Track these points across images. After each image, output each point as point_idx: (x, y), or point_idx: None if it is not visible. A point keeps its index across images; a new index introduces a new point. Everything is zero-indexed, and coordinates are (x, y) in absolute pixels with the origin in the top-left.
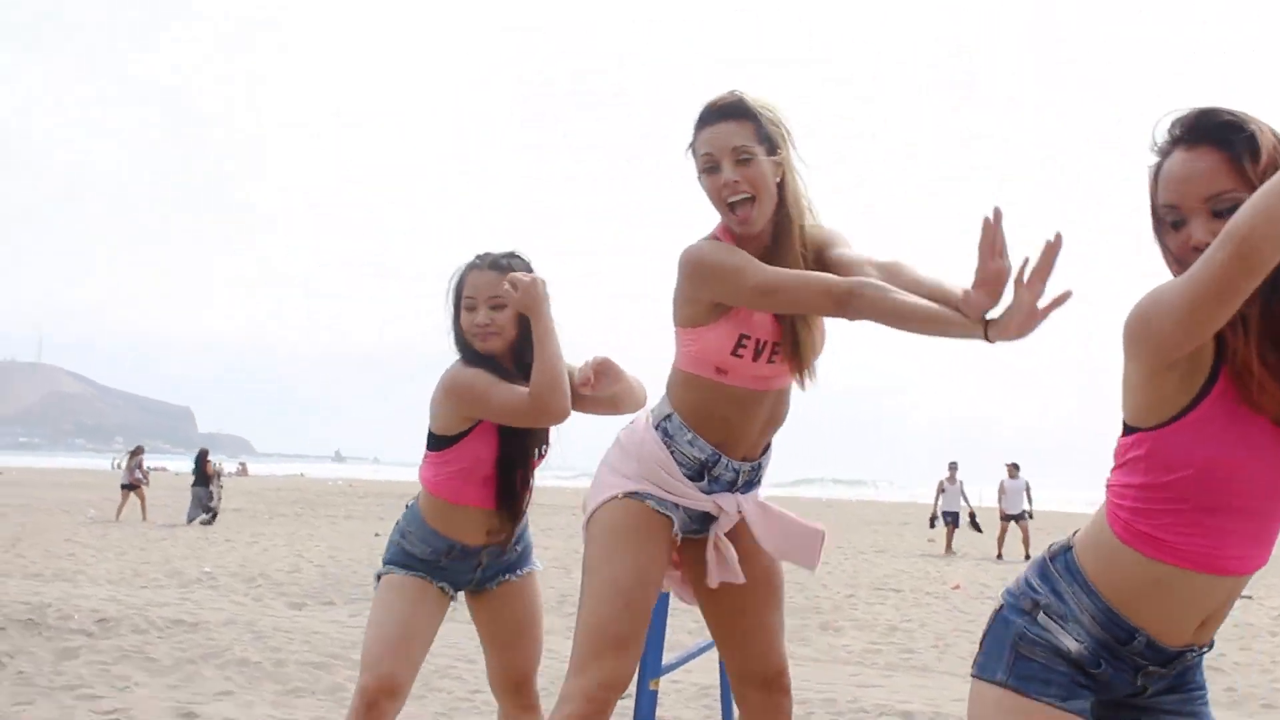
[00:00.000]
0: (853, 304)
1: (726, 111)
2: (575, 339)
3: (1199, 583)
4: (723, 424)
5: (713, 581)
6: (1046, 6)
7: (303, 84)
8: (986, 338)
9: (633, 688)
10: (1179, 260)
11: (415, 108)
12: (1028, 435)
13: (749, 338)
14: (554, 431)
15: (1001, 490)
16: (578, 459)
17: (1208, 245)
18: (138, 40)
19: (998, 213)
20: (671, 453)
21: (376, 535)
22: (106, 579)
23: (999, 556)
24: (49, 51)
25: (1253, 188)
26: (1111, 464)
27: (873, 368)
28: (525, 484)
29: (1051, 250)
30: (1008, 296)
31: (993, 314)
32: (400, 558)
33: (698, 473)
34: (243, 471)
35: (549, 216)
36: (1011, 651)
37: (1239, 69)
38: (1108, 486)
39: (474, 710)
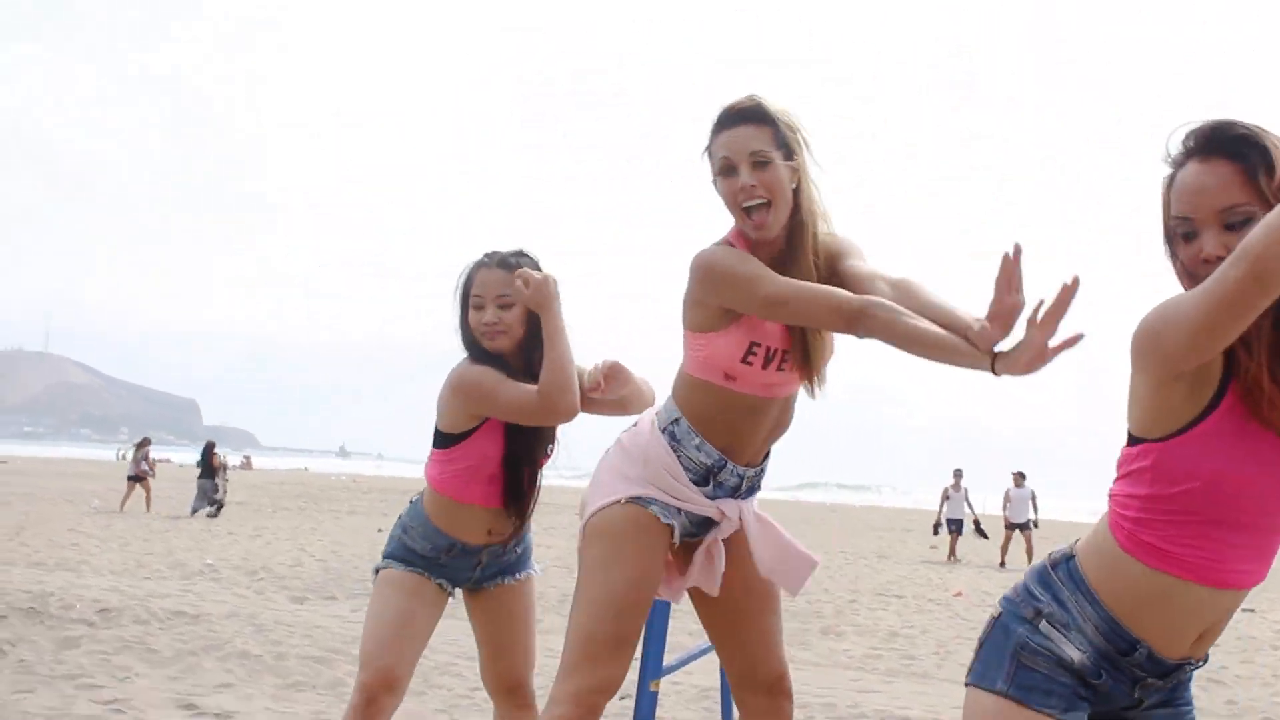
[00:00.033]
0: (862, 323)
1: (745, 115)
2: (575, 339)
3: (1200, 595)
4: (729, 430)
5: (689, 584)
6: (1046, 6)
7: (303, 84)
8: (993, 370)
9: (633, 689)
10: (1189, 272)
11: (415, 108)
12: (1031, 437)
13: (759, 345)
14: (559, 431)
15: (1007, 498)
16: (583, 459)
17: (1219, 258)
18: (140, 37)
19: (1018, 249)
20: (678, 457)
21: (379, 531)
22: (109, 569)
23: (1002, 564)
24: (58, 44)
25: (1267, 202)
26: (1115, 472)
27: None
28: (532, 483)
29: (1067, 293)
30: (1017, 331)
31: (1002, 347)
32: (401, 552)
33: (703, 478)
34: (247, 465)
35: (549, 216)
36: (1013, 661)
37: (1239, 69)
38: (1110, 496)
39: (474, 707)
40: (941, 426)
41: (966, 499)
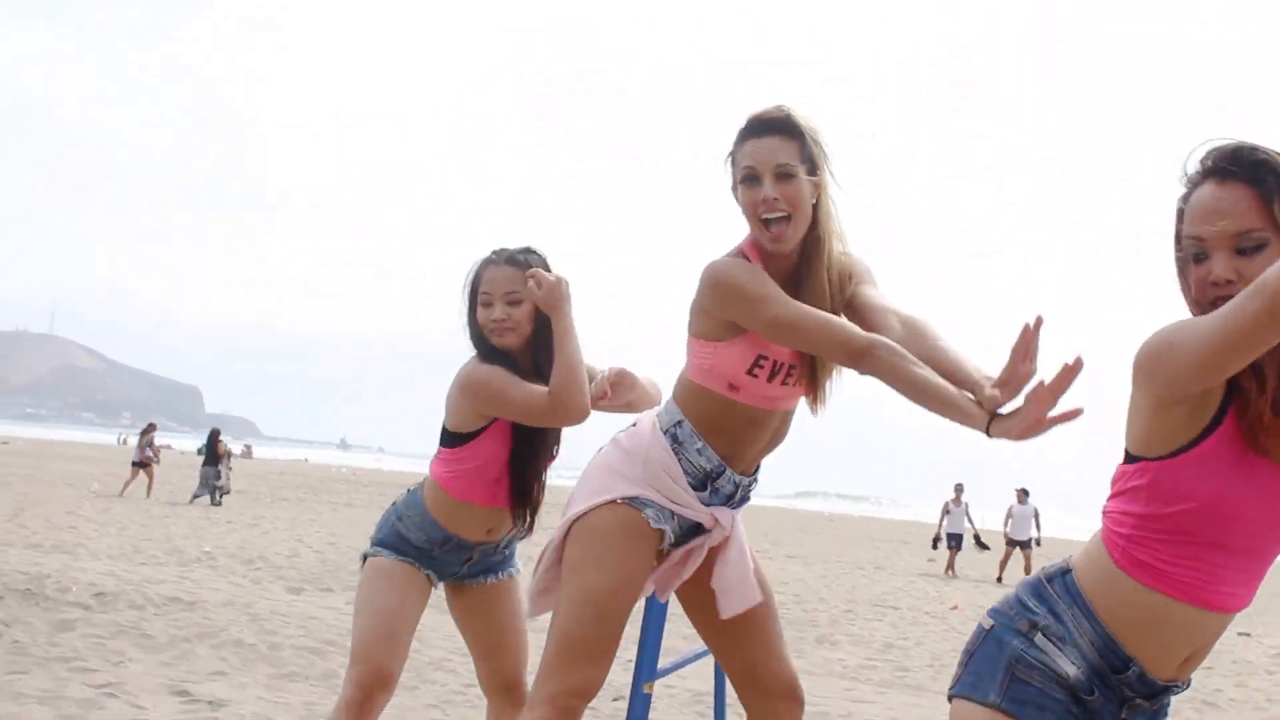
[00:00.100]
0: (866, 361)
1: (774, 126)
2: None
3: (1189, 616)
4: (729, 438)
5: (663, 594)
6: (1046, 6)
7: (303, 84)
8: (988, 432)
9: (626, 691)
10: (1197, 294)
11: (415, 108)
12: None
13: (766, 359)
14: (564, 431)
15: (1009, 515)
16: (584, 459)
17: (1228, 281)
18: (141, 35)
19: (1039, 321)
20: (679, 459)
21: None
22: (106, 553)
23: (999, 580)
24: (66, 32)
25: None
26: (1110, 489)
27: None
28: (539, 485)
29: (1070, 372)
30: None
31: (1001, 409)
32: (393, 540)
33: (701, 482)
34: (247, 454)
35: (549, 216)
36: (1006, 673)
37: (1239, 69)
38: (1105, 513)
39: (467, 704)
40: (943, 439)
41: (967, 514)
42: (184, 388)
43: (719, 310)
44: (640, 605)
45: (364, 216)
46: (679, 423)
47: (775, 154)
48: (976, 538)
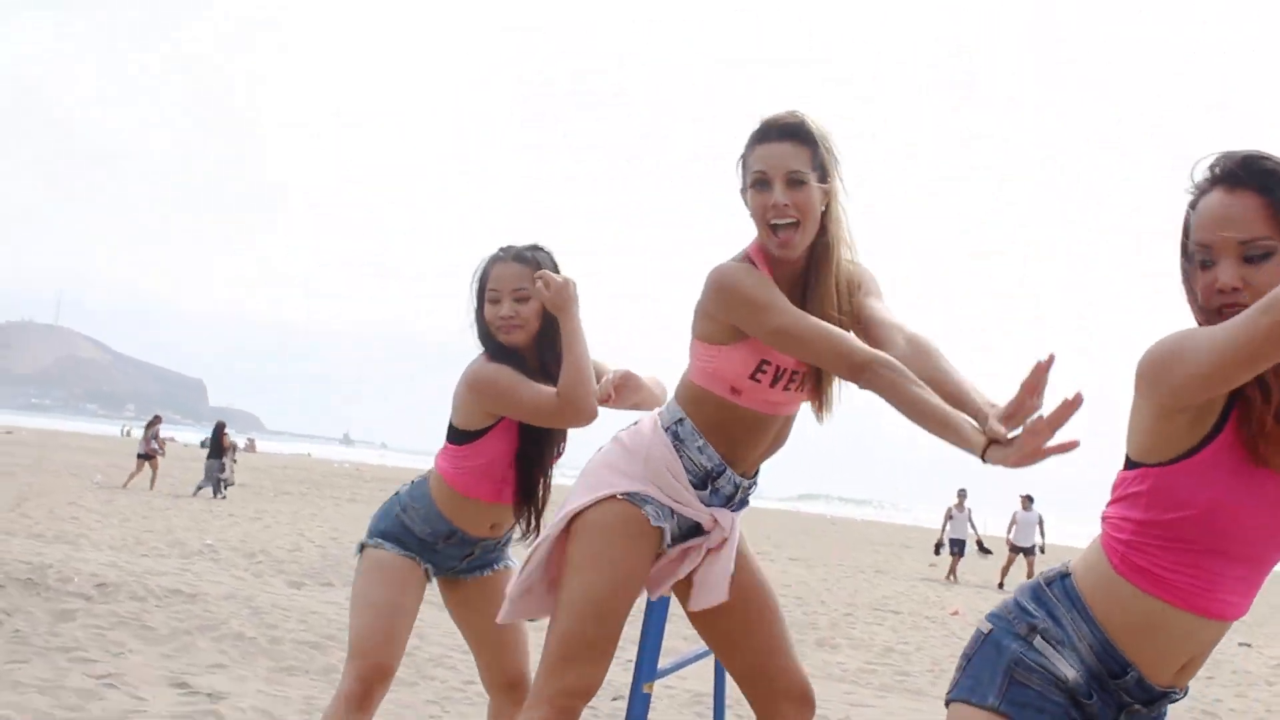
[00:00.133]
0: (866, 377)
1: (788, 132)
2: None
3: (1187, 622)
4: (730, 441)
5: (654, 592)
6: (1046, 6)
7: (303, 83)
8: (983, 458)
9: (626, 690)
10: (1203, 300)
11: (415, 108)
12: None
13: (770, 364)
14: (570, 430)
15: (1013, 521)
16: (589, 457)
17: (1234, 289)
18: (157, 26)
19: (1051, 359)
20: (680, 457)
21: None
22: (108, 544)
23: (1000, 586)
24: (71, 20)
25: None
26: (1110, 494)
27: None
28: (545, 483)
29: (1069, 407)
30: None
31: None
32: (396, 531)
33: (702, 481)
34: (250, 447)
35: (549, 216)
36: (1005, 676)
37: (1239, 69)
38: (1104, 518)
39: (466, 700)
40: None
41: (970, 519)
42: (188, 380)
43: (722, 315)
44: (640, 604)
45: (364, 216)
46: (680, 421)
47: (787, 160)
48: (979, 543)
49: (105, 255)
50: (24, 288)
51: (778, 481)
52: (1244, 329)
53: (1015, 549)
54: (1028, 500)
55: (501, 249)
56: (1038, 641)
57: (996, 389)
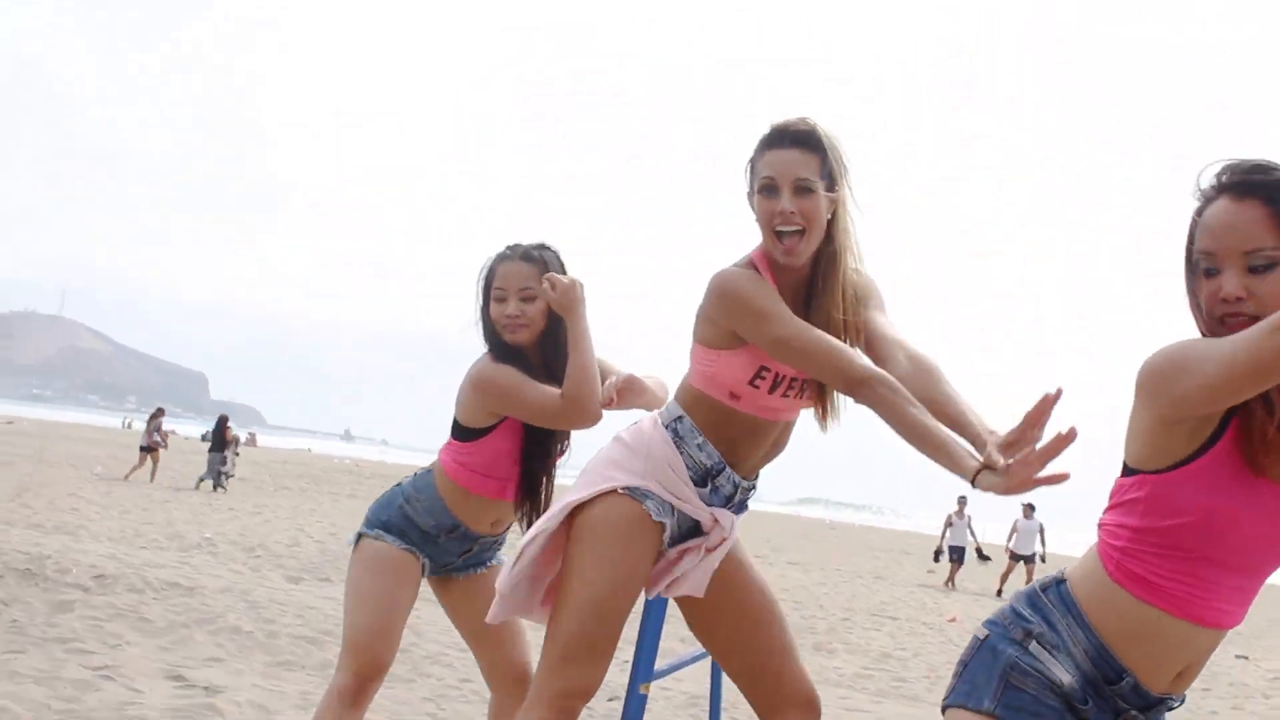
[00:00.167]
0: (863, 393)
1: (798, 139)
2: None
3: (1182, 630)
4: (729, 445)
5: (652, 591)
6: (1046, 6)
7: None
8: (973, 483)
9: (622, 691)
10: (1206, 309)
11: (415, 108)
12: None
13: (769, 370)
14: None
15: (1014, 529)
16: (588, 457)
17: (1238, 298)
18: (158, 26)
19: (1059, 393)
20: (680, 454)
21: None
22: (107, 536)
23: (999, 593)
24: (86, 9)
25: None
26: (1108, 501)
27: None
28: (547, 482)
29: (1063, 441)
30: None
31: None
32: (398, 522)
33: (702, 479)
34: (251, 441)
35: (549, 216)
36: (1001, 681)
37: (1239, 69)
38: (1101, 525)
39: (462, 698)
40: None
41: (969, 527)
42: (190, 374)
43: (724, 321)
44: (638, 605)
45: (364, 216)
46: (679, 418)
47: (796, 168)
48: (978, 550)
49: (110, 247)
50: (28, 277)
51: (777, 485)
52: (1252, 346)
53: (1015, 557)
54: (1029, 508)
55: (509, 247)
56: (1033, 646)
57: (996, 389)
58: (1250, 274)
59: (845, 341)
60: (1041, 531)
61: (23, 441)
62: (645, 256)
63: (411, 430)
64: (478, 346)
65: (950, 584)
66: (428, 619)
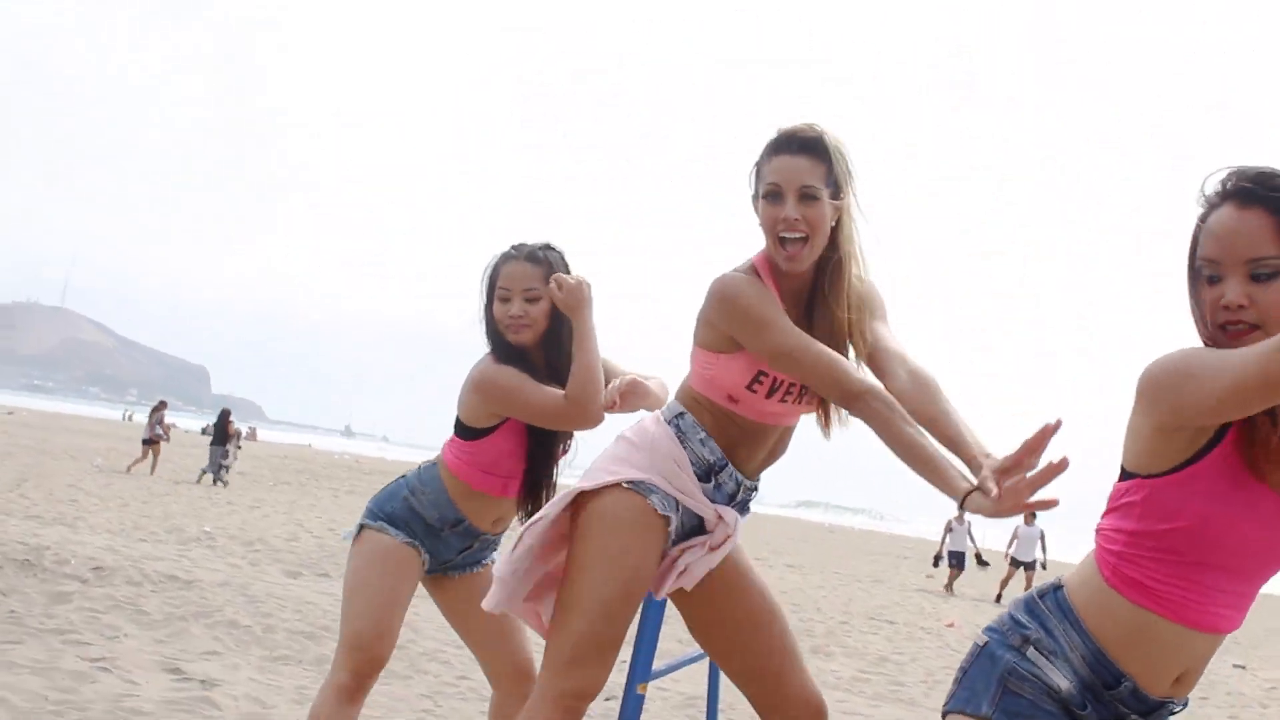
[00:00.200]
0: (858, 407)
1: (805, 146)
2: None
3: (1177, 634)
4: (728, 447)
5: (659, 590)
6: (1046, 6)
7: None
8: (961, 504)
9: (619, 690)
10: (1207, 316)
11: (415, 108)
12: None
13: (766, 375)
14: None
15: (1015, 536)
16: (591, 458)
17: (1240, 306)
18: (156, 28)
19: (1058, 424)
20: (684, 448)
21: None
22: (106, 528)
23: (999, 599)
24: (87, 6)
25: None
26: (1105, 506)
27: None
28: (550, 482)
29: (1054, 470)
30: None
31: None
32: (403, 514)
33: (705, 474)
34: (251, 436)
35: (549, 216)
36: (999, 686)
37: (1239, 69)
38: (1098, 530)
39: (458, 696)
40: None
41: (969, 532)
42: (191, 367)
43: (723, 326)
44: None
45: (364, 215)
46: (681, 414)
47: (801, 175)
48: (978, 556)
49: (113, 241)
50: (31, 268)
51: (777, 488)
52: (1259, 361)
53: (1016, 563)
54: (1031, 515)
55: (514, 247)
56: (1031, 652)
57: (996, 389)
58: (1253, 282)
59: (850, 345)
60: (1042, 538)
61: (23, 432)
62: (645, 256)
63: (412, 427)
64: (479, 344)
65: (949, 589)
66: (425, 616)
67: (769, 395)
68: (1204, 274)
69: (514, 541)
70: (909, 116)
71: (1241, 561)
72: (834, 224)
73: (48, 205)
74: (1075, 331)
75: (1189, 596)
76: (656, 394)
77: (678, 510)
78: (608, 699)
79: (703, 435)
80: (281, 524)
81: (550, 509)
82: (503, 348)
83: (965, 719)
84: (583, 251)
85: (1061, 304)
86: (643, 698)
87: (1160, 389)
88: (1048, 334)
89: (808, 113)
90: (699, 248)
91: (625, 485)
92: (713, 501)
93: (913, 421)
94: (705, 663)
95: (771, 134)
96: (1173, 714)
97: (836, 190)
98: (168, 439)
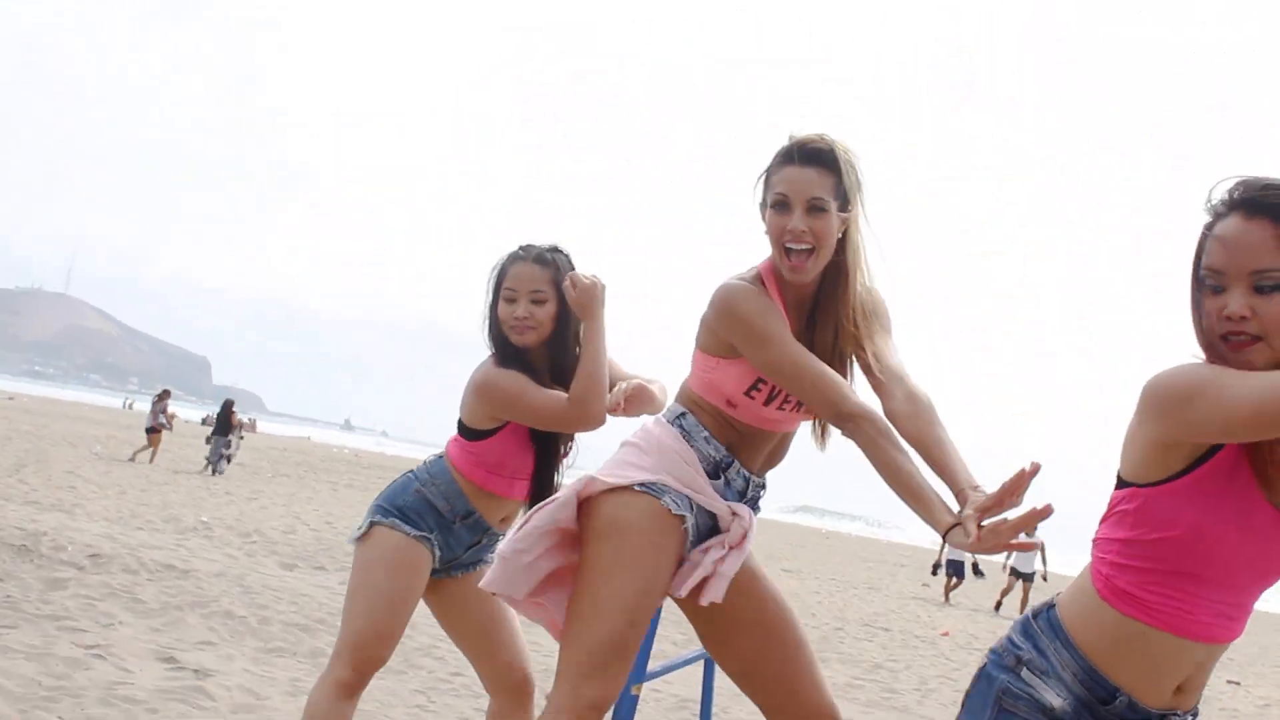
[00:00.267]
0: (850, 428)
1: (815, 157)
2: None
3: (1170, 645)
4: (729, 448)
5: (679, 589)
6: (1046, 6)
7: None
8: (943, 537)
9: None
10: (1208, 326)
11: (415, 108)
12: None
13: (764, 383)
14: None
15: None
16: (597, 460)
17: (1242, 318)
18: (156, 27)
19: (1036, 468)
20: (690, 446)
21: None
22: (103, 516)
23: (998, 607)
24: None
25: None
26: (1102, 516)
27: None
28: (552, 481)
29: (1036, 516)
30: None
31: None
32: (416, 505)
33: (713, 471)
34: (251, 427)
35: (549, 216)
36: (995, 707)
37: (1239, 69)
38: (1094, 541)
39: (452, 692)
40: None
41: None
42: (193, 357)
43: (724, 334)
44: None
45: (364, 215)
46: (683, 414)
47: (810, 186)
48: (974, 565)
49: (117, 229)
50: (35, 254)
51: (775, 493)
52: (1276, 388)
53: (1016, 574)
54: (1031, 527)
55: (522, 248)
56: (1024, 672)
57: (996, 389)
58: (1256, 294)
59: (852, 357)
60: (1042, 550)
61: (23, 418)
62: (645, 256)
63: (411, 423)
64: (479, 344)
65: (946, 599)
66: (420, 612)
67: (767, 402)
68: (1208, 283)
69: (517, 524)
70: (909, 116)
71: (1232, 575)
72: (841, 235)
73: (53, 192)
74: (1075, 331)
75: (1181, 606)
76: (659, 399)
77: (692, 509)
78: None
79: (706, 434)
80: (279, 516)
81: (563, 493)
82: (504, 349)
83: None
84: (583, 251)
85: (1061, 304)
86: (637, 700)
87: (1170, 401)
88: (1048, 334)
89: (807, 113)
90: (699, 248)
91: (637, 488)
92: (724, 499)
93: (903, 448)
94: (700, 664)
95: (782, 142)
96: None
97: (845, 202)
98: (170, 428)
